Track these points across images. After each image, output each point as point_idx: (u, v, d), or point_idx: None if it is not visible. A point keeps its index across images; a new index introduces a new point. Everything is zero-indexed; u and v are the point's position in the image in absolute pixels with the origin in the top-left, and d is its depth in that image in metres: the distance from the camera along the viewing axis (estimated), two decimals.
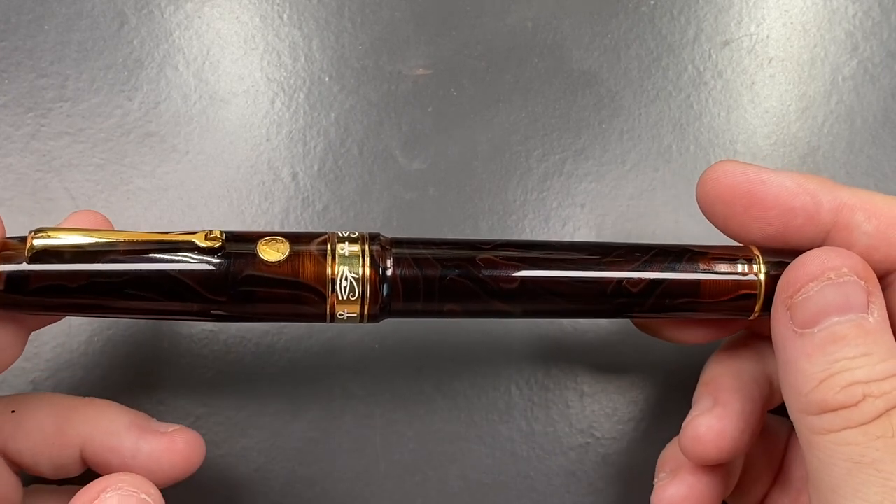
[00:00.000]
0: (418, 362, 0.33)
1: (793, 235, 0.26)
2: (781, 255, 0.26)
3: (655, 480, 0.29)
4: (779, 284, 0.25)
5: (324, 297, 0.24)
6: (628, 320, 0.30)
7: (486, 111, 0.35)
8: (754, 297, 0.26)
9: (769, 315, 0.25)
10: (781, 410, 0.27)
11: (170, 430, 0.28)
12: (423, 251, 0.25)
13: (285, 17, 0.36)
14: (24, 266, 0.23)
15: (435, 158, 0.34)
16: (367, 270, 0.25)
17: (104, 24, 0.35)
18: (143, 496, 0.23)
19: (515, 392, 0.33)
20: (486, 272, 0.25)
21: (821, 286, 0.24)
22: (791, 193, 0.26)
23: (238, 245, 0.25)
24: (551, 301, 0.26)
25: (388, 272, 0.25)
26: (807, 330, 0.24)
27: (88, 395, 0.29)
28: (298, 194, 0.34)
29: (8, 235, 0.24)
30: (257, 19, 0.35)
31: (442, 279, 0.25)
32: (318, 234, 0.25)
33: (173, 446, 0.27)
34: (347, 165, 0.34)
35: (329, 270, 0.24)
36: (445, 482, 0.32)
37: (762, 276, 0.26)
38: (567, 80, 0.36)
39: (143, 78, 0.34)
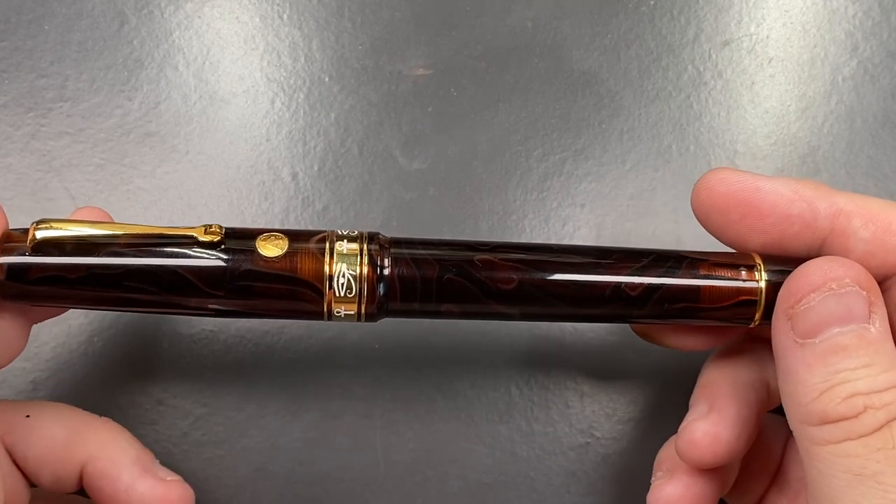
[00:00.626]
0: (418, 362, 0.33)
1: (789, 243, 0.26)
2: (783, 263, 0.26)
3: (652, 479, 0.29)
4: (780, 294, 0.25)
5: (321, 294, 0.25)
6: None
7: (486, 111, 0.35)
8: (755, 304, 0.26)
9: (769, 323, 0.25)
10: (780, 409, 0.26)
11: (168, 478, 0.28)
12: (422, 251, 0.25)
13: (285, 17, 0.36)
14: (26, 257, 0.24)
15: (435, 158, 0.34)
16: (365, 269, 0.25)
17: (104, 24, 0.35)
18: None
19: (515, 392, 0.33)
20: (484, 273, 0.25)
21: (822, 297, 0.24)
22: (787, 201, 0.26)
23: (237, 240, 0.25)
24: (549, 303, 0.26)
25: (386, 271, 0.25)
26: (808, 340, 0.23)
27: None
28: (298, 194, 0.34)
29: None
30: (257, 19, 0.35)
31: (440, 279, 0.25)
32: (318, 232, 0.26)
33: (167, 496, 0.27)
34: (347, 165, 0.34)
35: (327, 267, 0.25)
36: (445, 482, 0.32)
37: (763, 284, 0.26)
38: (567, 80, 0.36)
39: (143, 78, 0.34)
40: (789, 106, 0.36)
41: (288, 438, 0.32)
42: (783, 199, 0.26)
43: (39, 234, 0.24)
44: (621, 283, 0.26)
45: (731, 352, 0.29)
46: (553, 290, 0.26)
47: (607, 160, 0.35)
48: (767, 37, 0.36)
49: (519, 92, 0.35)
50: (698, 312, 0.26)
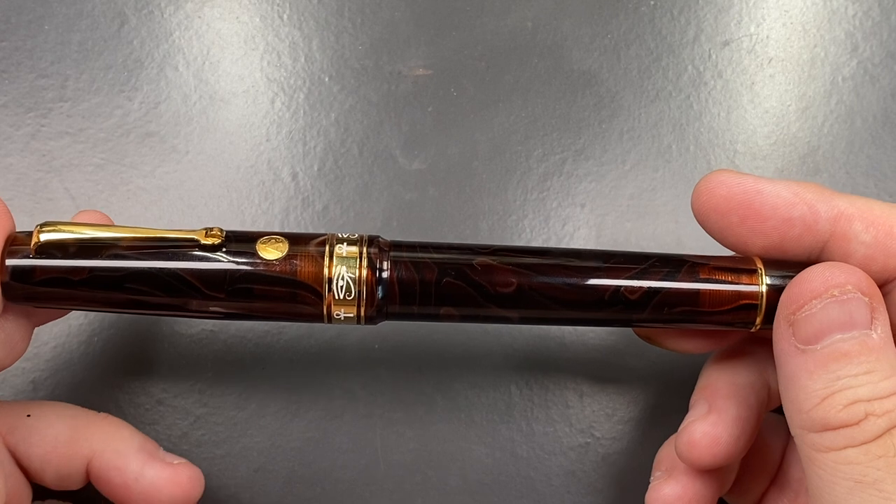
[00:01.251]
0: (418, 362, 0.33)
1: (790, 246, 0.26)
2: (784, 267, 0.26)
3: (651, 479, 0.29)
4: (781, 300, 0.25)
5: (320, 297, 0.25)
6: None
7: (486, 111, 0.35)
8: (755, 307, 0.26)
9: (770, 327, 0.25)
10: (780, 409, 0.26)
11: (175, 462, 0.28)
12: (422, 255, 0.25)
13: (285, 17, 0.36)
14: (30, 259, 0.24)
15: (435, 158, 0.34)
16: (364, 272, 0.25)
17: (104, 24, 0.35)
18: None
19: (515, 392, 0.33)
20: (483, 276, 0.25)
21: (824, 303, 0.23)
22: (788, 204, 0.25)
23: (238, 243, 0.25)
24: (548, 307, 0.26)
25: (385, 274, 0.25)
26: (809, 346, 0.23)
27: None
28: (298, 194, 0.34)
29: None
30: (257, 19, 0.35)
31: (438, 282, 0.25)
32: (318, 235, 0.26)
33: (177, 478, 0.28)
34: (347, 165, 0.34)
35: (326, 270, 0.25)
36: (445, 482, 0.32)
37: (764, 288, 0.26)
38: (567, 80, 0.36)
39: (143, 78, 0.34)
40: (789, 106, 0.36)
41: (288, 438, 0.32)
42: (784, 201, 0.26)
43: (44, 237, 0.24)
44: (621, 286, 0.26)
45: (731, 353, 0.29)
46: (552, 293, 0.25)
47: (607, 160, 0.35)
48: (767, 37, 0.36)
49: (519, 92, 0.35)
50: (699, 316, 0.26)
